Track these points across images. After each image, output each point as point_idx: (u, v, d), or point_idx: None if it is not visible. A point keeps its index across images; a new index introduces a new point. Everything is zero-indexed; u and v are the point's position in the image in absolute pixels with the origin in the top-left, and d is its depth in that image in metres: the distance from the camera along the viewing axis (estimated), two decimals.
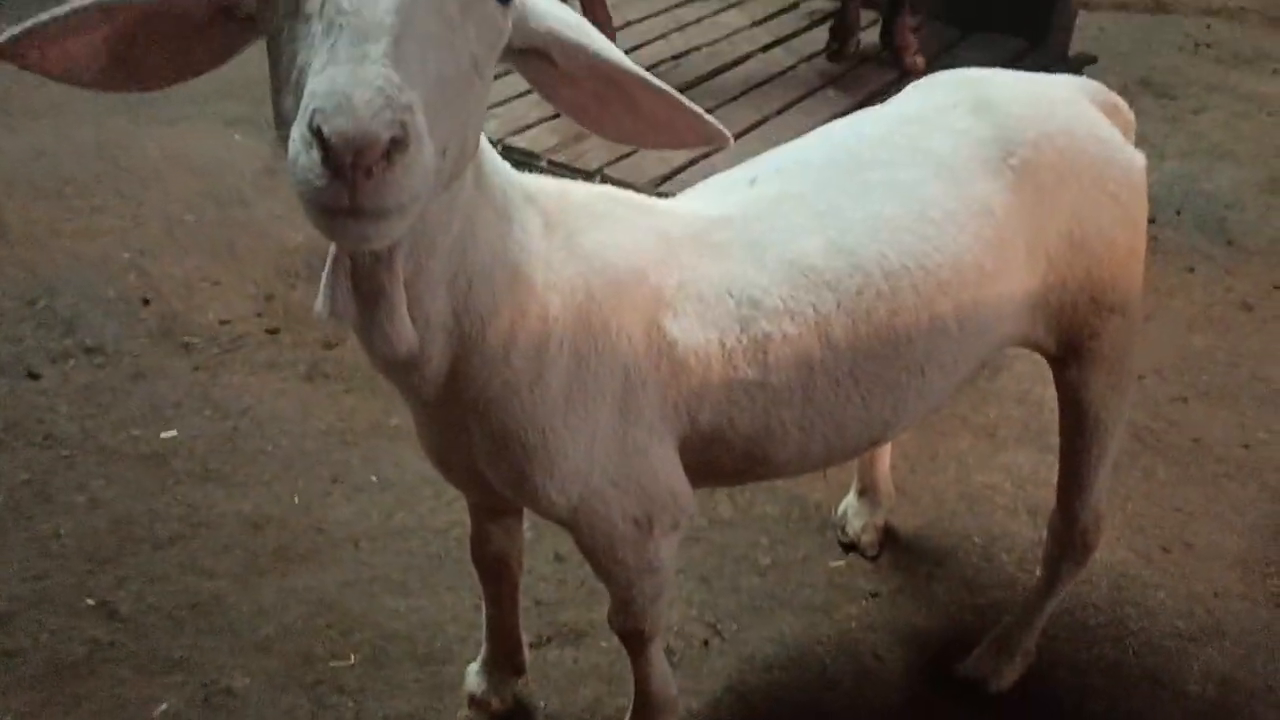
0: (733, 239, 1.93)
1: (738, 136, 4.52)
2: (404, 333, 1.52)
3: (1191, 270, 4.49)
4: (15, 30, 1.35)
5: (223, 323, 3.75)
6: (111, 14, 1.37)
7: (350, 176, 1.13)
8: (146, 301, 3.80)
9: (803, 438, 1.99)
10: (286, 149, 1.31)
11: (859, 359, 1.95)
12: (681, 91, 4.33)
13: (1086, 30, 6.63)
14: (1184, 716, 2.60)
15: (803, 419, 1.97)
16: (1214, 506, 3.22)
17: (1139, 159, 2.20)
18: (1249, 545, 3.09)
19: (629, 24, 5.62)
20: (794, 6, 6.12)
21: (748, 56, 5.43)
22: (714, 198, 2.06)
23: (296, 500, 3.06)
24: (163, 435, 3.25)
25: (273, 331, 3.72)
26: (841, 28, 5.35)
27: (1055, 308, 2.14)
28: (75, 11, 1.36)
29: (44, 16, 1.35)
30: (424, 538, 2.96)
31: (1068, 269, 2.11)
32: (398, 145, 1.14)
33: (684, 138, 1.60)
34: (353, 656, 2.61)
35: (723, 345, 1.87)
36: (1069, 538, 2.44)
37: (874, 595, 2.87)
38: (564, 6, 1.52)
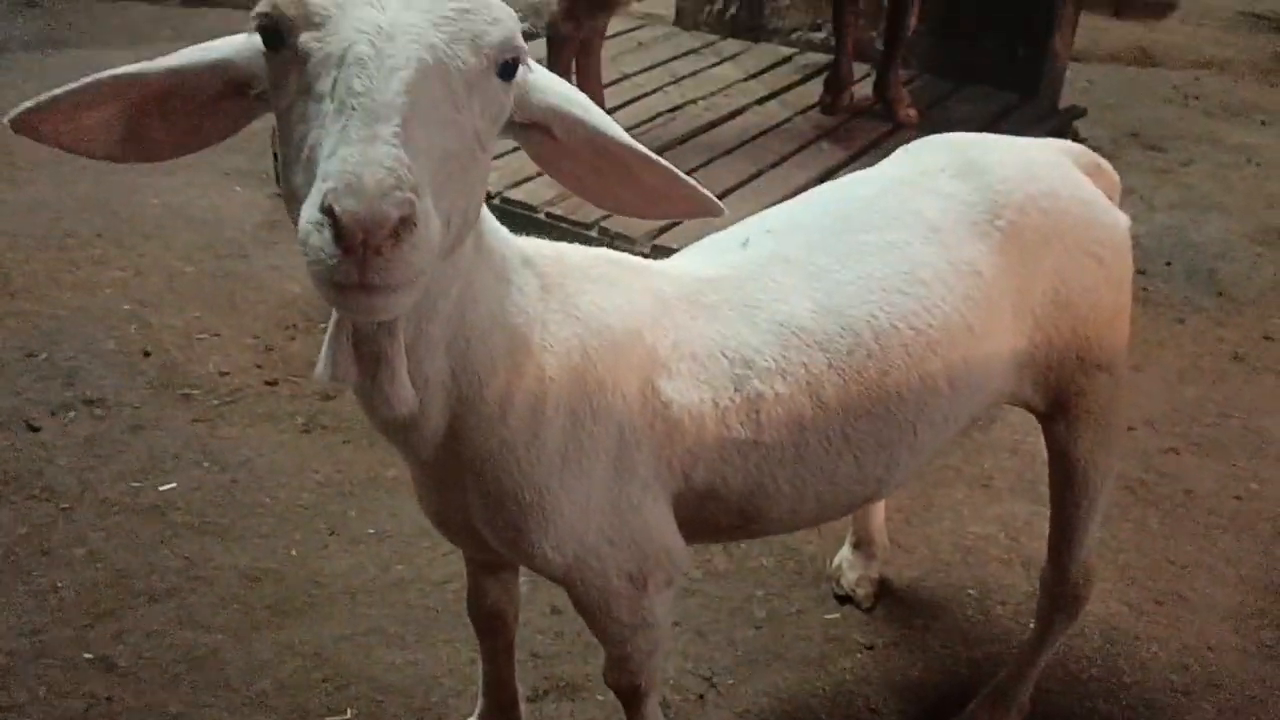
0: (726, 300, 1.97)
1: (734, 189, 4.62)
2: (405, 395, 1.55)
3: (1182, 321, 4.54)
4: (29, 104, 1.39)
5: (222, 374, 3.79)
6: (124, 90, 1.42)
7: (361, 254, 1.17)
8: (147, 353, 3.83)
9: (796, 495, 2.02)
10: (287, 205, 1.37)
11: (851, 418, 1.98)
12: (679, 144, 4.43)
13: (1076, 83, 6.74)
14: None
15: (796, 477, 1.99)
16: (1206, 558, 3.24)
17: (1123, 220, 2.24)
18: (1242, 597, 3.11)
19: (626, 77, 5.71)
20: (788, 60, 6.22)
21: (743, 109, 5.51)
22: (707, 258, 2.10)
23: (294, 553, 3.07)
24: (161, 487, 3.27)
25: (271, 383, 3.75)
26: (835, 81, 5.43)
27: (1042, 366, 2.17)
28: (88, 87, 1.40)
29: (58, 91, 1.39)
30: (421, 590, 2.97)
31: (1054, 328, 2.14)
32: (406, 224, 1.18)
33: (679, 208, 1.65)
34: (349, 711, 2.61)
35: (716, 405, 1.90)
36: (1060, 591, 2.46)
37: (869, 648, 2.88)
38: (564, 82, 1.57)
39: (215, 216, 4.76)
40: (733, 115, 5.42)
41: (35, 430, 3.45)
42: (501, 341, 1.69)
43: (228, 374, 3.78)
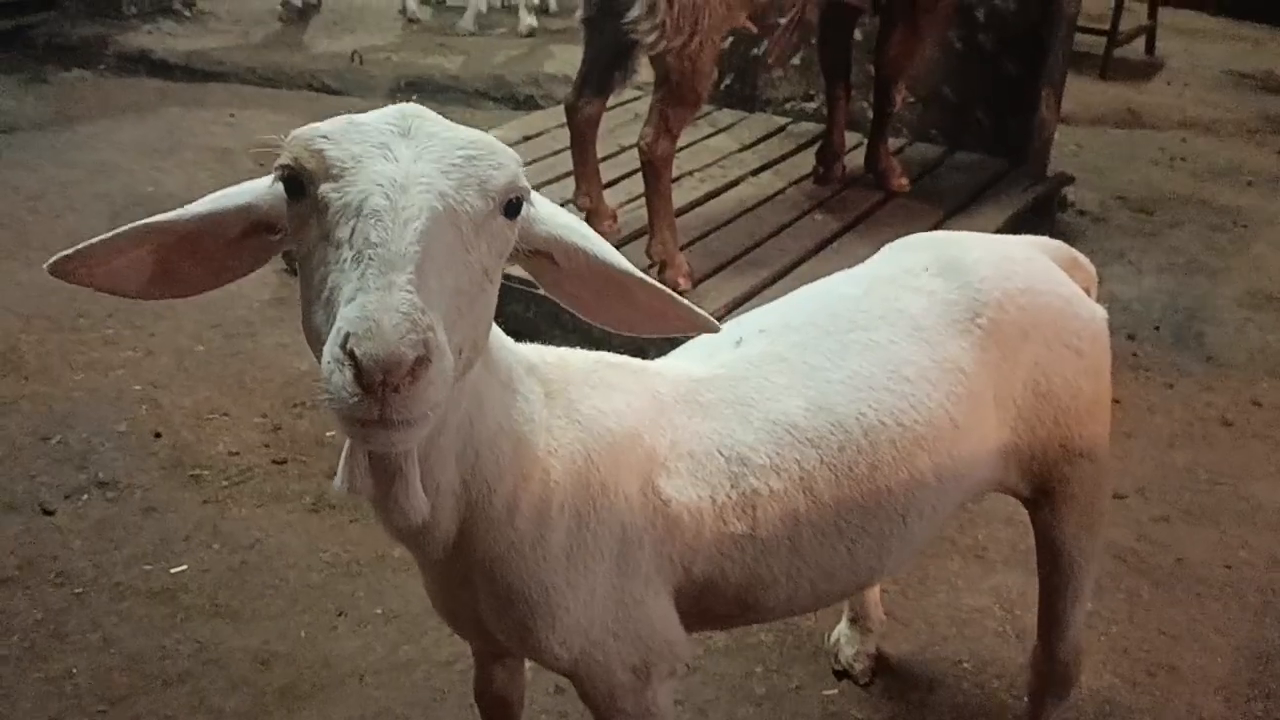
0: (721, 398, 2.06)
1: (731, 261, 4.73)
2: (419, 505, 1.63)
3: (1171, 386, 4.63)
4: (68, 252, 1.50)
5: (231, 454, 3.87)
6: (155, 235, 1.52)
7: (380, 393, 1.26)
8: (158, 434, 3.92)
9: (791, 585, 2.10)
10: (309, 342, 1.46)
11: (843, 511, 2.07)
12: (676, 217, 4.54)
13: (1064, 147, 6.88)
14: None
15: (791, 568, 2.07)
16: (1197, 628, 3.30)
17: (1099, 312, 2.34)
18: (1232, 667, 3.17)
19: (623, 149, 5.84)
20: (781, 130, 6.36)
21: (739, 181, 5.63)
22: (702, 357, 2.19)
23: (303, 634, 3.14)
24: (173, 570, 3.34)
25: (280, 462, 3.83)
26: (827, 153, 5.57)
27: (1026, 455, 2.26)
28: (122, 234, 1.51)
29: (94, 240, 1.50)
30: (428, 671, 3.03)
31: (1035, 418, 2.23)
32: (422, 362, 1.27)
33: (676, 326, 1.76)
34: None
35: (714, 501, 1.98)
36: (1050, 671, 2.53)
37: None
38: (564, 212, 1.68)
39: (224, 294, 4.78)
40: (729, 187, 5.56)
41: (49, 514, 3.53)
42: (508, 448, 1.77)
43: (237, 454, 3.87)
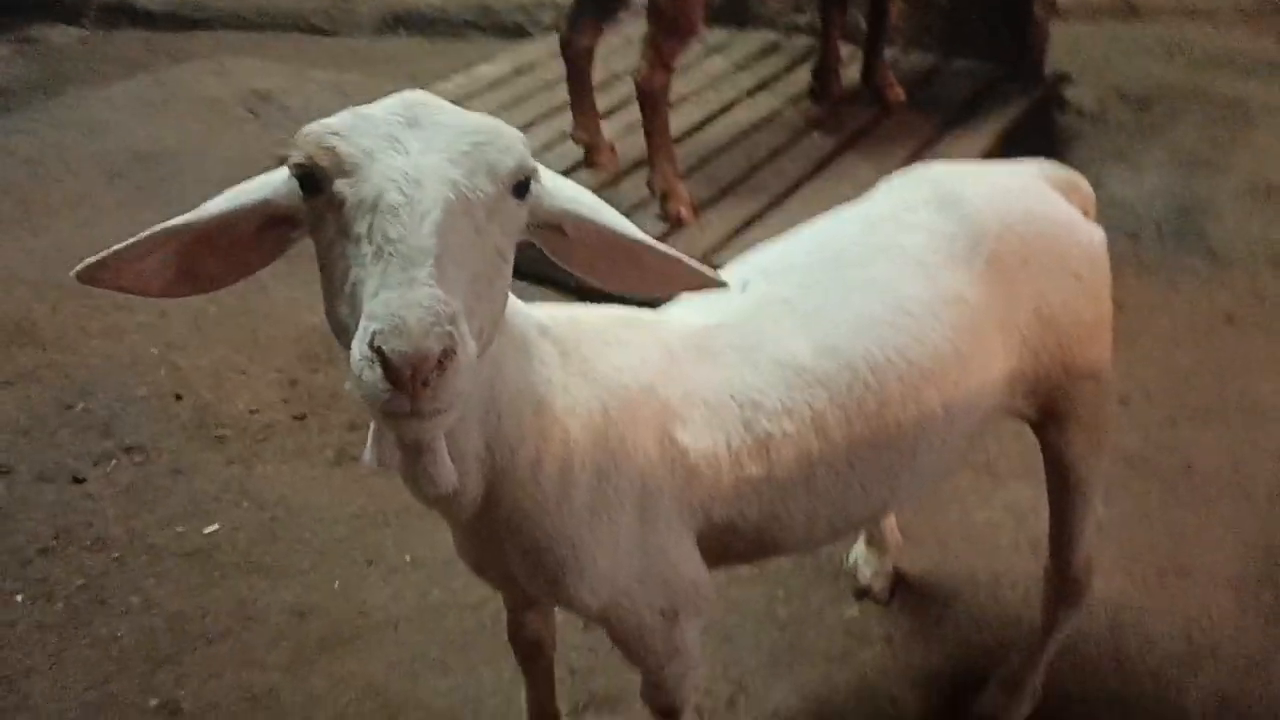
0: (729, 345, 2.10)
1: (730, 187, 4.74)
2: (447, 474, 1.69)
3: (1174, 285, 4.66)
4: (92, 260, 1.54)
5: (252, 412, 3.94)
6: (175, 236, 1.57)
7: (410, 388, 1.31)
8: (179, 396, 3.99)
9: (809, 522, 2.17)
10: (335, 333, 1.51)
11: (854, 449, 2.12)
12: (675, 144, 4.54)
13: (1060, 43, 6.77)
14: None
15: (807, 506, 2.14)
16: (1206, 528, 3.38)
17: (1098, 235, 2.37)
18: (1242, 564, 3.25)
19: (616, 77, 5.80)
20: (775, 47, 6.30)
21: (734, 103, 5.61)
22: (709, 304, 2.23)
23: (336, 586, 3.24)
24: (205, 530, 3.43)
25: (299, 417, 3.90)
26: (823, 69, 5.53)
27: (1031, 381, 2.31)
28: (144, 239, 1.56)
29: (118, 246, 1.54)
30: (459, 615, 3.13)
31: (1039, 344, 2.28)
32: (448, 354, 1.32)
33: (686, 286, 1.82)
34: None
35: (729, 447, 2.04)
36: (1063, 584, 2.62)
37: (888, 640, 3.04)
38: (571, 183, 1.71)
39: None
40: (724, 110, 5.53)
41: (80, 482, 3.61)
42: (528, 410, 1.83)
43: (257, 411, 3.94)
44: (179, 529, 3.44)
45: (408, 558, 3.33)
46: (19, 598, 3.18)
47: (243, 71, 6.83)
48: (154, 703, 2.88)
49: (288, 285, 4.60)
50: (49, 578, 3.25)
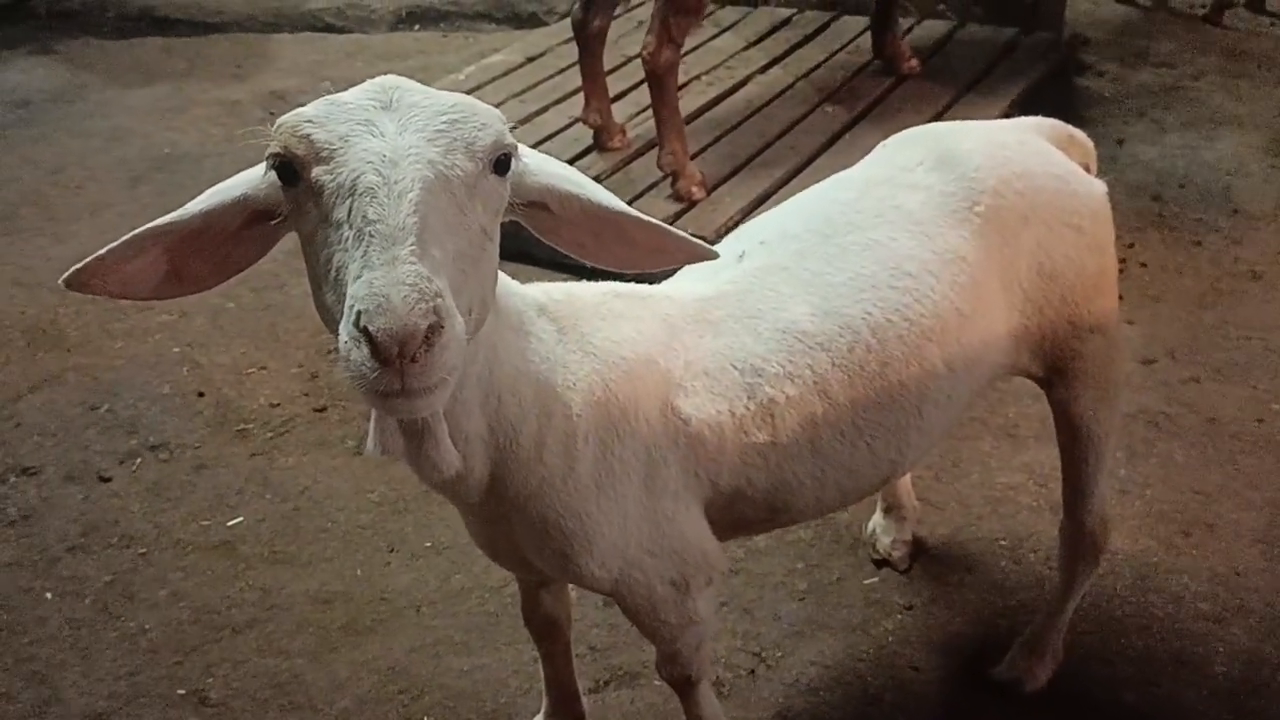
0: (729, 314, 2.10)
1: (745, 163, 4.72)
2: (449, 458, 1.71)
3: (1199, 243, 4.60)
4: (78, 266, 1.57)
5: (273, 406, 3.98)
6: (159, 238, 1.58)
7: (399, 365, 1.32)
8: (201, 394, 4.03)
9: (818, 486, 2.16)
10: (322, 320, 1.53)
11: (859, 410, 2.12)
12: (686, 123, 4.56)
13: (1078, 5, 6.71)
14: (1211, 696, 2.73)
15: (815, 470, 2.14)
16: (1232, 485, 3.34)
17: (1098, 187, 2.34)
18: (1268, 520, 3.21)
19: (627, 60, 5.79)
20: (787, 22, 6.26)
21: (746, 80, 5.58)
22: (707, 275, 2.22)
23: (359, 573, 3.27)
24: (229, 524, 3.47)
25: (320, 410, 3.93)
26: (881, 38, 5.48)
27: (1036, 336, 2.29)
28: (128, 242, 1.58)
29: (102, 251, 1.57)
30: (480, 597, 3.15)
31: (1043, 299, 2.26)
32: (434, 330, 1.33)
33: (676, 257, 1.82)
34: (426, 719, 2.81)
35: (733, 414, 2.04)
36: (1079, 542, 2.59)
37: (908, 608, 3.02)
38: (554, 161, 1.72)
39: None
40: (737, 87, 5.51)
41: (106, 480, 3.66)
42: (529, 390, 1.84)
43: (278, 405, 3.97)
44: (204, 523, 3.48)
45: (429, 543, 3.35)
46: (49, 595, 3.23)
47: (260, 72, 6.88)
48: (182, 692, 2.92)
49: (303, 280, 4.56)
50: (78, 574, 3.30)
